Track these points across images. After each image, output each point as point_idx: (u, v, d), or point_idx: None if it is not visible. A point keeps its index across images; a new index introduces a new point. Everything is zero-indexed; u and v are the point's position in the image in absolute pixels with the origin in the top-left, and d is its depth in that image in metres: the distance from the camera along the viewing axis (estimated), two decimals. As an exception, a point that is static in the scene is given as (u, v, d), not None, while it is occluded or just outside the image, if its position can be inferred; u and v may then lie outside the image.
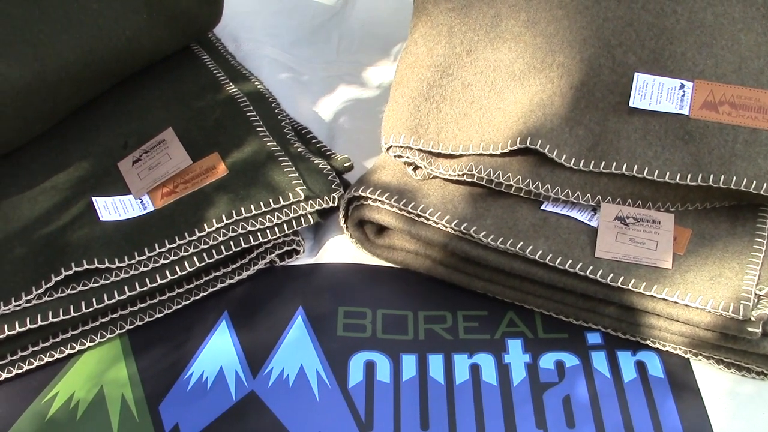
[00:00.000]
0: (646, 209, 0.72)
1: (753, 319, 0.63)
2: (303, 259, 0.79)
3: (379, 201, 0.75)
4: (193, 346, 0.71)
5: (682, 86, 0.72)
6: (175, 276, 0.70)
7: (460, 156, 0.74)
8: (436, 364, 0.70)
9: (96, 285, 0.68)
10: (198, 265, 0.71)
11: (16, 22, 0.75)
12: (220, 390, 0.67)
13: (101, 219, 0.72)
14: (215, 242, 0.72)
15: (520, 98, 0.73)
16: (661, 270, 0.68)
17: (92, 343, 0.71)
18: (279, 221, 0.74)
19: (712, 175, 0.69)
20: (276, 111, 0.86)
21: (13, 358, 0.68)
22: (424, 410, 0.66)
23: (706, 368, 0.69)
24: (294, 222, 0.75)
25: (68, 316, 0.67)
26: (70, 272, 0.66)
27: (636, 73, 0.73)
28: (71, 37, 0.78)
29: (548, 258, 0.68)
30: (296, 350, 0.70)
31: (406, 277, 0.78)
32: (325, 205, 0.76)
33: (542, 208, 0.73)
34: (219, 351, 0.70)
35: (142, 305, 0.72)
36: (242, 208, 0.72)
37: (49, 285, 0.66)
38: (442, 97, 0.75)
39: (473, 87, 0.75)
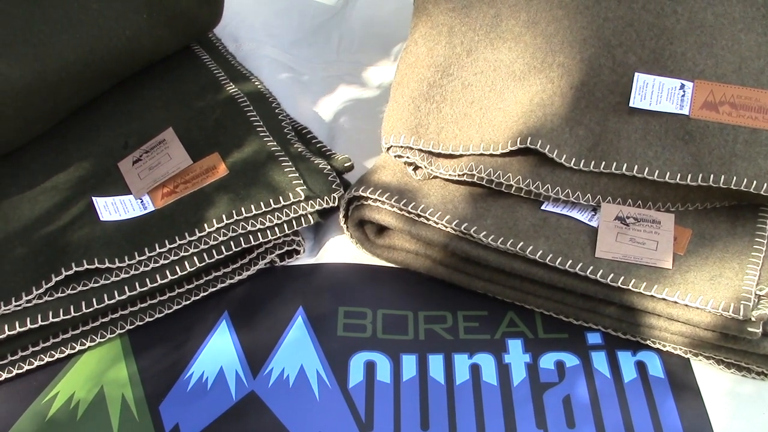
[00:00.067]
0: (647, 209, 0.72)
1: (753, 319, 0.63)
2: (303, 259, 0.79)
3: (380, 201, 0.75)
4: (193, 346, 0.71)
5: (682, 86, 0.72)
6: (176, 276, 0.70)
7: (461, 156, 0.74)
8: (436, 364, 0.70)
9: (96, 285, 0.68)
10: (198, 265, 0.71)
11: (17, 22, 0.75)
12: (220, 390, 0.67)
13: (101, 219, 0.73)
14: (215, 242, 0.72)
15: (521, 98, 0.73)
16: (662, 270, 0.68)
17: (92, 343, 0.71)
18: (279, 221, 0.74)
19: (712, 175, 0.69)
20: (276, 111, 0.86)
21: (13, 358, 0.68)
22: (424, 410, 0.66)
23: (707, 368, 0.69)
24: (294, 222, 0.75)
25: (68, 316, 0.67)
26: (70, 272, 0.66)
27: (636, 73, 0.73)
28: (71, 37, 0.78)
29: (548, 258, 0.68)
30: (296, 350, 0.70)
31: (407, 277, 0.78)
32: (325, 205, 0.76)
33: (542, 208, 0.73)
34: (219, 351, 0.70)
35: (142, 305, 0.72)
36: (242, 208, 0.73)
37: (50, 285, 0.66)
38: (443, 97, 0.75)
39: (473, 87, 0.75)
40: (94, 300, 0.68)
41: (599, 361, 0.70)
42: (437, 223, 0.73)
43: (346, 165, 0.80)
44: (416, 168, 0.77)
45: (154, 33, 0.85)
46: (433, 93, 0.75)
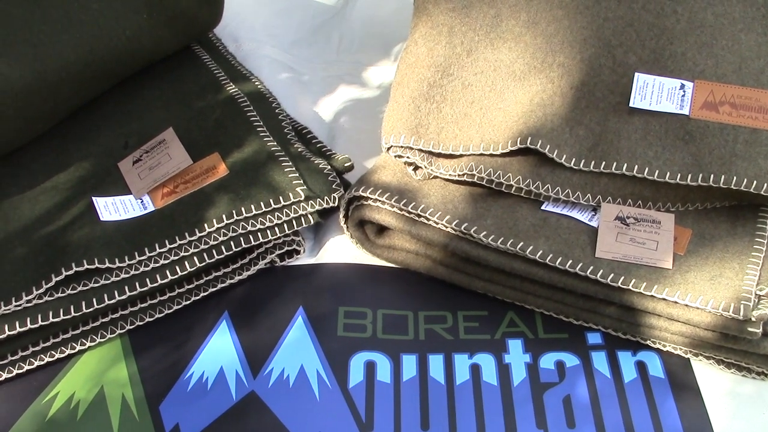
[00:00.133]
0: (647, 209, 0.72)
1: (753, 319, 0.63)
2: (303, 259, 0.79)
3: (380, 201, 0.75)
4: (193, 346, 0.71)
5: (682, 86, 0.72)
6: (176, 276, 0.70)
7: (461, 156, 0.74)
8: (436, 364, 0.70)
9: (96, 285, 0.68)
10: (198, 265, 0.71)
11: (17, 22, 0.75)
12: (220, 390, 0.67)
13: (102, 219, 0.73)
14: (215, 242, 0.72)
15: (521, 98, 0.73)
16: (662, 270, 0.68)
17: (92, 343, 0.71)
18: (279, 221, 0.74)
19: (712, 175, 0.69)
20: (276, 111, 0.86)
21: (13, 358, 0.68)
22: (424, 410, 0.66)
23: (707, 368, 0.69)
24: (294, 222, 0.75)
25: (68, 316, 0.67)
26: (70, 272, 0.66)
27: (636, 73, 0.73)
28: (72, 37, 0.78)
29: (548, 258, 0.68)
30: (296, 350, 0.70)
31: (407, 277, 0.78)
32: (325, 205, 0.76)
33: (542, 208, 0.73)
34: (219, 351, 0.70)
35: (142, 305, 0.72)
36: (242, 208, 0.73)
37: (50, 285, 0.66)
38: (443, 97, 0.75)
39: (473, 87, 0.75)
40: (94, 300, 0.68)
41: (599, 361, 0.70)
42: (437, 223, 0.73)
43: (346, 165, 0.80)
44: (416, 168, 0.77)
45: (155, 33, 0.85)
46: (434, 93, 0.75)
